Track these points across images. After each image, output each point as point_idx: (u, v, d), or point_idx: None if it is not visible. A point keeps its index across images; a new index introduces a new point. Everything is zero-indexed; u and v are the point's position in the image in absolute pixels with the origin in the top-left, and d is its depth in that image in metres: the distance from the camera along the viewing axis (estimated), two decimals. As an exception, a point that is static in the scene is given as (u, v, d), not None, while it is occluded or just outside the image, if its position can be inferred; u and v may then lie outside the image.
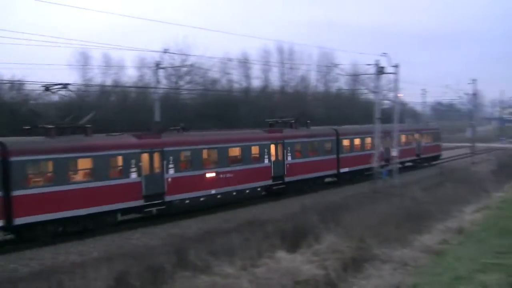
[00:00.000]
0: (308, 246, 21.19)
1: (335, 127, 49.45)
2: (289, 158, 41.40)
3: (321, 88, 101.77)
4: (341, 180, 47.91)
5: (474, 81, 76.38)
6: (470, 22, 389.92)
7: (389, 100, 60.68)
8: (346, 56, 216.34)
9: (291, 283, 16.85)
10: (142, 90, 69.96)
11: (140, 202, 30.75)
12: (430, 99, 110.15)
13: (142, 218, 32.21)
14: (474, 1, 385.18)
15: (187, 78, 78.76)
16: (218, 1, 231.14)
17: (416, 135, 62.35)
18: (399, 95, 58.47)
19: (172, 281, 17.94)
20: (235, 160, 37.21)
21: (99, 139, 30.19)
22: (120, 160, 29.89)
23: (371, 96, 57.21)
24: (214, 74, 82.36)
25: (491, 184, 35.85)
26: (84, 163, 28.23)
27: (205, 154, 35.27)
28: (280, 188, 41.08)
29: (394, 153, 48.86)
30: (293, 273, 17.51)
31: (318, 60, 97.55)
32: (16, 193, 25.04)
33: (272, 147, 40.32)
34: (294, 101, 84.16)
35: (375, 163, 45.80)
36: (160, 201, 31.77)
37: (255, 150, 38.73)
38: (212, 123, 55.01)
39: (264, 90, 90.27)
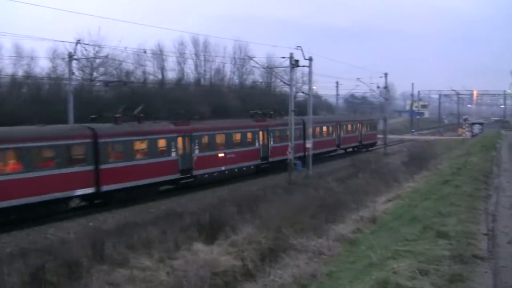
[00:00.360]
0: (226, 238, 21.42)
1: (304, 117, 53.42)
2: (272, 142, 48.91)
3: (236, 80, 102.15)
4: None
5: (385, 74, 78.20)
6: (380, 19, 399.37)
7: (303, 92, 61.62)
8: (261, 49, 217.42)
9: (209, 274, 17.00)
10: (55, 81, 68.44)
11: (177, 175, 39.02)
12: (344, 91, 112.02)
13: (58, 212, 31.55)
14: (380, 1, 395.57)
15: (101, 69, 77.55)
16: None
17: (358, 125, 70.99)
18: (313, 87, 59.52)
19: (88, 275, 17.82)
20: (237, 144, 45.13)
21: (149, 125, 38.42)
22: (164, 142, 37.98)
23: (286, 89, 57.81)
24: (129, 65, 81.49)
25: (403, 174, 36.96)
26: (142, 145, 36.51)
27: (218, 138, 43.24)
28: (266, 167, 49.04)
29: (309, 144, 49.69)
30: (211, 265, 17.68)
31: (233, 52, 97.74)
32: (102, 166, 32.94)
33: (260, 133, 48.36)
34: (210, 93, 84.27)
35: (290, 155, 46.44)
36: (189, 175, 39.80)
37: (249, 135, 46.87)
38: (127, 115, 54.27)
39: (179, 83, 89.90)
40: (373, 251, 12.83)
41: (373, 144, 77.37)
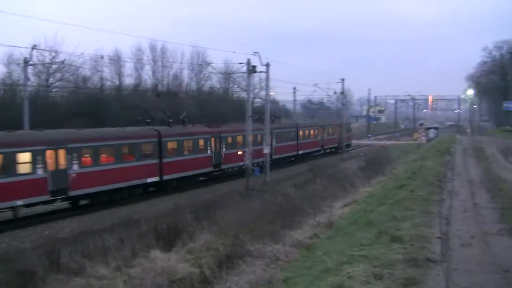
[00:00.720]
0: (183, 245, 21.34)
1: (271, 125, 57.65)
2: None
3: (194, 86, 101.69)
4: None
5: (342, 80, 78.97)
6: (338, 25, 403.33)
7: (260, 98, 61.80)
8: (219, 55, 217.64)
9: (166, 282, 16.94)
10: (10, 87, 67.31)
11: (211, 169, 48.59)
12: (301, 97, 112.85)
13: (12, 220, 31.10)
14: (339, 6, 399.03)
15: (58, 75, 76.49)
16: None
17: (338, 128, 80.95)
18: (270, 93, 59.72)
19: (44, 285, 17.60)
20: (240, 144, 52.23)
21: (192, 128, 47.40)
22: (202, 142, 47.24)
23: (244, 95, 57.86)
24: (86, 71, 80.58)
25: (359, 179, 37.19)
26: (189, 143, 45.20)
27: (238, 139, 52.26)
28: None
29: (266, 150, 49.84)
30: (168, 272, 17.61)
31: (191, 58, 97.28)
32: (164, 160, 41.71)
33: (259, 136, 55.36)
34: (167, 99, 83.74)
35: (247, 161, 46.55)
36: (218, 169, 49.37)
37: (259, 137, 54.88)
38: (84, 121, 53.77)
39: (137, 88, 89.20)
40: (329, 256, 12.92)
41: (349, 145, 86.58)
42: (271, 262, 15.69)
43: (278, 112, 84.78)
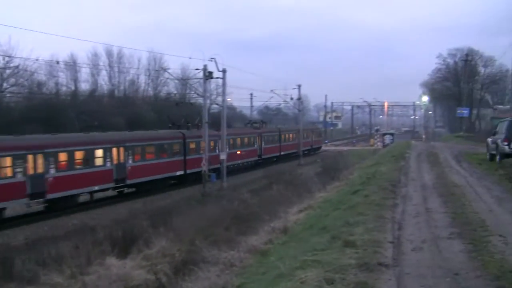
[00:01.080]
0: (139, 252, 21.25)
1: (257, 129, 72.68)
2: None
3: (150, 92, 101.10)
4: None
5: (299, 86, 79.34)
6: (296, 31, 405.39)
7: (217, 104, 61.77)
8: (175, 61, 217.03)
9: (122, 289, 16.87)
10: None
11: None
12: (259, 103, 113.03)
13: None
14: (292, 12, 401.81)
15: (12, 80, 75.34)
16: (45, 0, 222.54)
17: (310, 133, 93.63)
18: (227, 99, 59.81)
19: (-4, 294, 17.35)
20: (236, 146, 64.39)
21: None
22: (251, 139, 66.68)
23: (200, 101, 57.79)
24: (41, 76, 79.54)
25: (315, 185, 37.33)
26: (202, 143, 49.68)
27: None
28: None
29: (223, 156, 49.82)
30: (124, 279, 17.54)
31: (148, 64, 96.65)
32: (188, 157, 51.23)
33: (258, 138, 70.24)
34: (124, 105, 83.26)
35: (204, 167, 46.49)
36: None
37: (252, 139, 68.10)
38: (38, 127, 53.21)
39: (93, 94, 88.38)
40: (283, 261, 12.99)
41: (319, 148, 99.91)
42: (226, 268, 15.72)
43: (235, 117, 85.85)
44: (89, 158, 39.42)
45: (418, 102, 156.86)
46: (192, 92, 69.10)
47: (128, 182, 43.12)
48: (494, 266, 11.03)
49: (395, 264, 11.76)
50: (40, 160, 34.45)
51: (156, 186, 46.43)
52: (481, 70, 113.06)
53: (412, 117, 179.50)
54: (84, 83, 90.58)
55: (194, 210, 32.57)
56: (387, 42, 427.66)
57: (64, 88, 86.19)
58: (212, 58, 47.43)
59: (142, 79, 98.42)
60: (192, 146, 52.41)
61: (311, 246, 14.37)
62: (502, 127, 32.20)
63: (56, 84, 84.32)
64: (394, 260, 12.08)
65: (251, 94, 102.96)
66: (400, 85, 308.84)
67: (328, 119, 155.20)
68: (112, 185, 41.61)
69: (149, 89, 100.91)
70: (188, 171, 51.02)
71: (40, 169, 34.46)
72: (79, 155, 38.46)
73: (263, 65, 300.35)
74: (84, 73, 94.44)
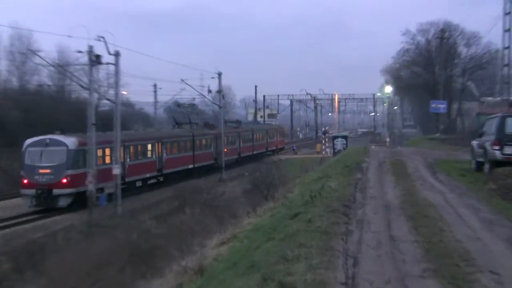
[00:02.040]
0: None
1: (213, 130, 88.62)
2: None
3: (15, 83, 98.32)
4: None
5: (219, 75, 77.96)
6: (210, 2, 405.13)
7: (108, 99, 60.73)
8: (49, 40, 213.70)
9: None
10: None
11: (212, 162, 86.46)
12: (166, 97, 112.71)
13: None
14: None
15: None
16: None
17: (274, 132, 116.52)
18: (122, 92, 59.23)
19: None
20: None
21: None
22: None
23: (85, 94, 57.00)
24: None
25: (242, 207, 37.40)
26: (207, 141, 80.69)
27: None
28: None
29: (116, 170, 48.81)
30: None
31: (11, 44, 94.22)
32: (195, 153, 76.61)
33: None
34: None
35: (90, 185, 45.75)
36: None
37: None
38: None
39: None
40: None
41: (282, 148, 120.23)
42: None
43: (134, 117, 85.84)
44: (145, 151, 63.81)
45: (379, 94, 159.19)
46: (74, 83, 67.77)
47: (164, 172, 67.46)
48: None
49: (348, 314, 11.79)
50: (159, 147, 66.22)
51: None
52: (463, 50, 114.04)
53: (372, 114, 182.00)
54: None
55: (78, 246, 32.14)
56: (338, 15, 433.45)
57: None
58: (100, 37, 46.47)
59: (3, 65, 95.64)
60: (201, 141, 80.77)
61: (235, 291, 14.28)
62: (492, 126, 32.29)
63: None
64: (347, 308, 12.11)
65: (155, 86, 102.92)
66: (355, 72, 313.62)
67: (259, 118, 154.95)
68: (155, 173, 65.60)
69: (14, 78, 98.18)
70: (197, 165, 77.21)
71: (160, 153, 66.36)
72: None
73: (172, 48, 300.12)
74: None
